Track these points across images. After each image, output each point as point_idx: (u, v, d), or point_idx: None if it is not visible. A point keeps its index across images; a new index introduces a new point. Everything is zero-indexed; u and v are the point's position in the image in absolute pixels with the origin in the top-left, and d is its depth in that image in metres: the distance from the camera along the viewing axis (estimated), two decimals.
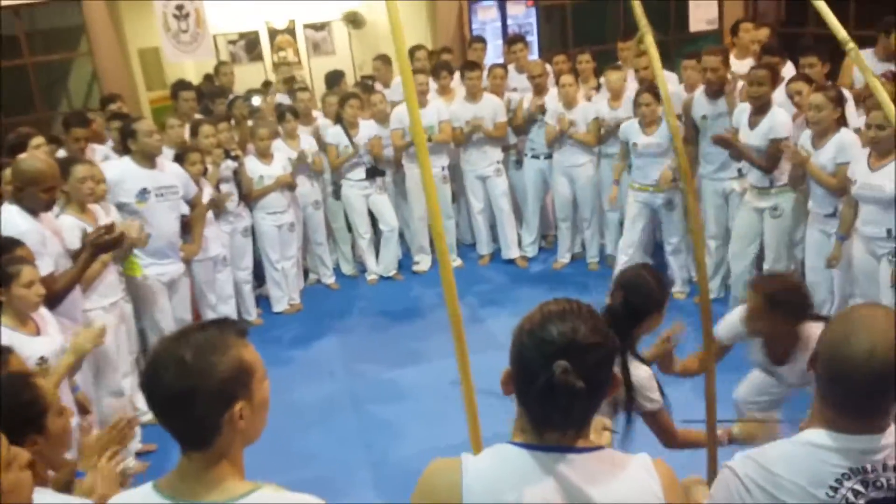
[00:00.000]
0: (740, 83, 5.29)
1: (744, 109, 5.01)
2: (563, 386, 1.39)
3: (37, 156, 3.83)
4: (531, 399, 1.46)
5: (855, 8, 8.06)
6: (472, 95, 6.57)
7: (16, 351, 2.71)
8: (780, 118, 4.81)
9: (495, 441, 1.56)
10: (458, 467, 1.50)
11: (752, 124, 4.90)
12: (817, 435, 1.59)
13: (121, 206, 4.71)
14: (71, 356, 3.14)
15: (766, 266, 5.09)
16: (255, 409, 1.52)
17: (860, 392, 1.51)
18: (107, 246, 3.78)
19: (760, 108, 4.86)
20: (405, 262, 7.11)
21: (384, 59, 7.46)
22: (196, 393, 1.44)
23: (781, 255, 5.03)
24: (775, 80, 4.91)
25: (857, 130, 4.45)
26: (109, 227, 3.78)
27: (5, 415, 1.94)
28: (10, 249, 3.29)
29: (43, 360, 3.16)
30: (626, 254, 5.75)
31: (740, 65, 5.84)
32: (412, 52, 7.16)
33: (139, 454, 4.33)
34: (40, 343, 3.24)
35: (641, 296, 2.62)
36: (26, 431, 1.99)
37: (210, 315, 5.59)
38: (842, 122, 4.45)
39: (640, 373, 2.57)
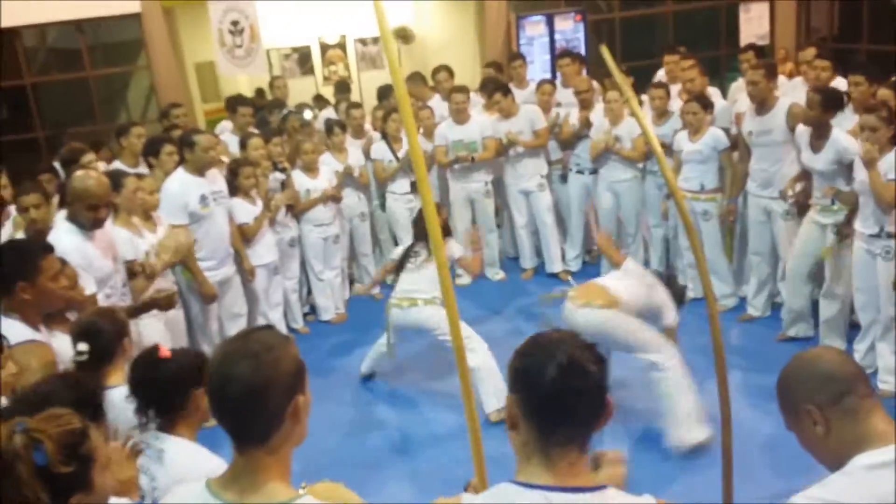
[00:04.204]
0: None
1: (804, 131, 4.95)
2: (576, 368, 1.48)
3: (89, 173, 3.83)
4: (538, 403, 1.51)
5: None
6: (505, 116, 6.63)
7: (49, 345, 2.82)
8: (844, 142, 4.72)
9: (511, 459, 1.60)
10: None
11: (816, 148, 4.85)
12: (867, 457, 1.65)
13: (192, 216, 4.91)
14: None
15: (827, 284, 4.98)
16: (307, 405, 1.60)
17: None
18: (158, 307, 3.86)
19: (822, 131, 4.81)
20: None
21: (413, 78, 7.59)
22: (270, 385, 1.52)
23: (840, 272, 4.89)
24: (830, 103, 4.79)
25: None
26: (166, 296, 3.89)
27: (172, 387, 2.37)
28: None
29: None
30: None
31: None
32: (434, 73, 7.38)
33: None
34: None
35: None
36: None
37: (261, 321, 5.74)
38: None
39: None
